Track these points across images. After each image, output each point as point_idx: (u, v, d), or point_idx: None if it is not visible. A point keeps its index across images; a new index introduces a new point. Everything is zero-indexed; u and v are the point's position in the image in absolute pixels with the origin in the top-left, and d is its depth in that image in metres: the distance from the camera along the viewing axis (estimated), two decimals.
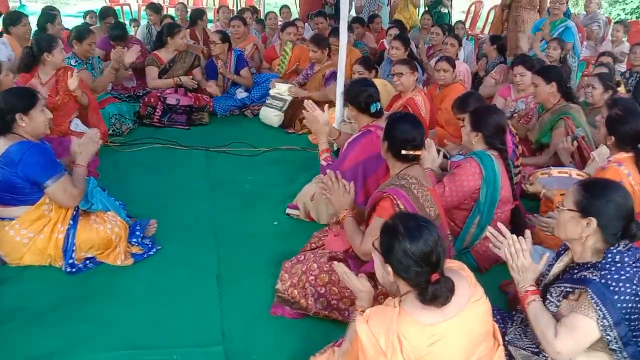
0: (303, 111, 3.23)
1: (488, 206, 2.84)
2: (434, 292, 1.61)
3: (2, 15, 5.10)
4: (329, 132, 3.28)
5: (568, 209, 1.89)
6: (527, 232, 2.08)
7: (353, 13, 9.55)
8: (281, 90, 5.32)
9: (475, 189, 2.83)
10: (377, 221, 2.36)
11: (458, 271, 1.78)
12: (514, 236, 2.05)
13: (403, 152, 2.42)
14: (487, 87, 5.48)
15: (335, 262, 2.04)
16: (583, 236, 1.88)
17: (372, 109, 3.02)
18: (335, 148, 3.85)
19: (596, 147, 3.65)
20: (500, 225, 2.07)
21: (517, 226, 3.11)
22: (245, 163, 4.44)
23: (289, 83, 5.46)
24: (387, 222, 1.76)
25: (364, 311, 1.79)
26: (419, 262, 1.64)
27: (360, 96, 3.06)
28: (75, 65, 4.38)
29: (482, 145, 2.92)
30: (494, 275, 2.96)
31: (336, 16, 8.00)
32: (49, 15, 5.25)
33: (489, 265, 3.01)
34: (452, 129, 4.49)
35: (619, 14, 14.06)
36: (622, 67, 6.27)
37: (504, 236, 2.05)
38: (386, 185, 2.45)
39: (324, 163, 3.07)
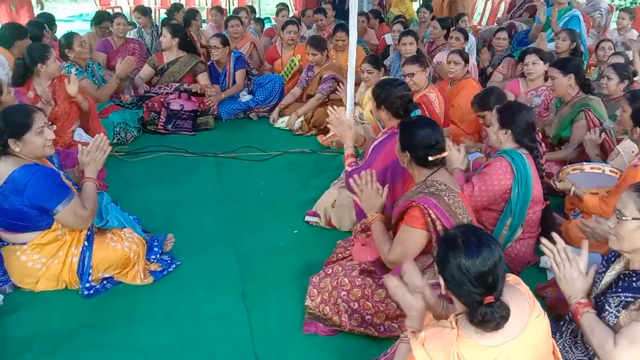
0: (329, 112, 3.10)
1: (520, 207, 2.74)
2: (484, 315, 1.49)
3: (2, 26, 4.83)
4: (356, 138, 3.15)
5: (633, 218, 1.77)
6: (557, 237, 1.97)
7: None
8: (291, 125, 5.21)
9: (506, 189, 2.73)
10: (406, 230, 2.27)
11: (515, 286, 1.68)
12: (561, 243, 1.95)
13: (430, 158, 2.30)
14: (495, 82, 5.37)
15: (387, 277, 1.91)
16: None
17: (413, 114, 2.90)
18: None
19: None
20: (554, 235, 1.97)
21: (547, 226, 3.03)
22: (256, 168, 4.32)
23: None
24: (447, 231, 1.67)
25: (414, 331, 1.69)
26: (473, 280, 1.53)
27: (398, 100, 2.92)
28: (76, 75, 4.23)
29: (512, 144, 2.82)
30: (526, 278, 2.84)
31: (337, 12, 7.89)
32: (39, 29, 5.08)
33: (521, 268, 2.93)
34: (466, 126, 4.40)
35: (621, 2, 14.00)
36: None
37: (554, 244, 1.95)
38: (414, 194, 2.33)
39: (348, 168, 2.96)
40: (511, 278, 1.73)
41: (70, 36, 4.61)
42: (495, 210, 2.82)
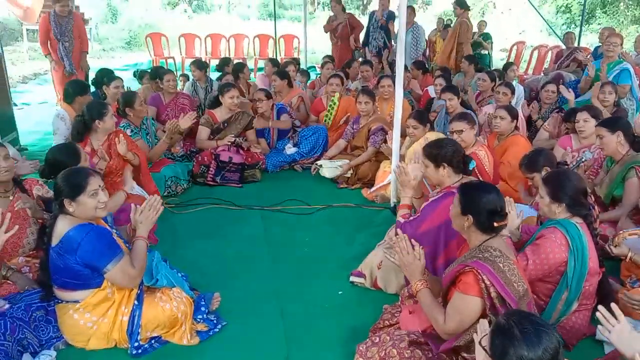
0: (388, 164, 3.15)
1: (576, 281, 2.62)
2: None
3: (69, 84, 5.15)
4: (416, 190, 3.15)
5: None
6: (616, 309, 1.89)
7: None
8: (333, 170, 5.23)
9: (561, 262, 2.63)
10: (460, 298, 2.20)
11: None
12: (621, 316, 1.87)
13: (495, 225, 2.26)
14: (540, 140, 5.27)
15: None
16: None
17: (471, 166, 2.91)
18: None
19: None
20: (614, 306, 1.88)
21: (603, 295, 2.91)
22: (300, 222, 4.35)
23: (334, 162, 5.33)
24: (499, 322, 1.61)
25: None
26: None
27: (456, 155, 2.95)
28: (131, 135, 4.43)
29: (566, 214, 2.74)
30: (581, 351, 2.74)
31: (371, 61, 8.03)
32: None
33: (576, 340, 2.79)
34: (515, 184, 4.31)
35: None
36: None
37: (616, 319, 1.87)
38: (467, 258, 2.29)
39: (401, 219, 2.94)
40: None
41: (132, 95, 4.84)
42: (549, 282, 2.72)
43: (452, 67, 8.34)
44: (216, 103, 5.43)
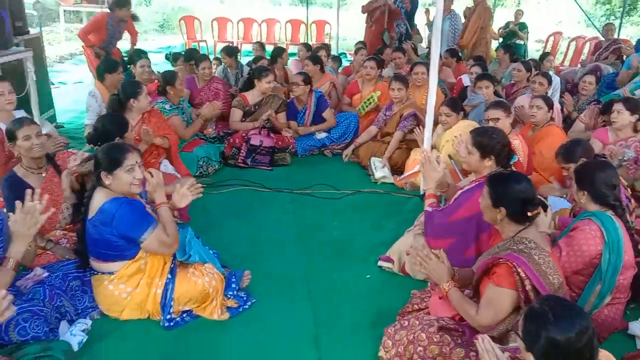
0: (421, 150, 3.12)
1: (610, 274, 2.58)
2: None
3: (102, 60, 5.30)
4: (440, 183, 3.13)
5: None
6: None
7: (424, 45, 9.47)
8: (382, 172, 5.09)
9: (596, 255, 2.59)
10: (494, 291, 2.18)
11: None
12: None
13: (529, 214, 2.24)
14: (576, 131, 5.16)
15: (480, 338, 1.86)
16: None
17: (512, 161, 2.89)
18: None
19: None
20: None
21: (637, 290, 2.86)
22: (329, 207, 4.37)
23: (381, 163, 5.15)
24: (533, 307, 1.60)
25: None
26: (569, 356, 1.47)
27: (504, 149, 2.92)
28: (169, 110, 4.52)
29: (593, 205, 2.69)
30: (613, 345, 2.69)
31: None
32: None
33: (608, 334, 2.75)
34: (549, 174, 4.24)
35: None
36: None
37: None
38: (501, 249, 2.27)
39: (429, 208, 2.93)
40: (602, 354, 1.65)
41: (173, 74, 4.98)
42: (582, 274, 2.68)
43: (469, 53, 8.25)
44: (249, 85, 5.46)
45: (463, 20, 8.91)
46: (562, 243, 2.64)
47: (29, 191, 2.30)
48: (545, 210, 2.86)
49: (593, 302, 2.64)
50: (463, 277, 2.50)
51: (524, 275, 2.11)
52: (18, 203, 2.30)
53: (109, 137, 3.32)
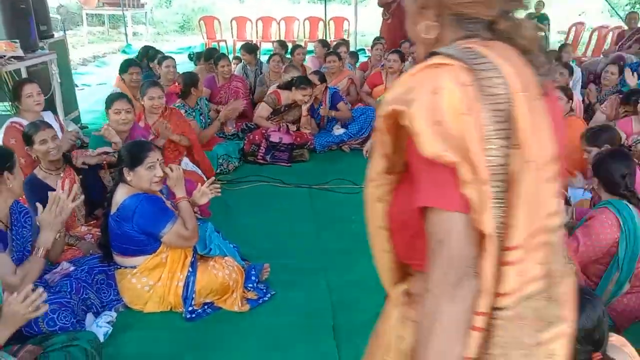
0: None
1: (628, 261, 2.57)
2: None
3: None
4: None
5: None
6: None
7: None
8: None
9: (613, 242, 2.58)
10: None
11: (620, 348, 1.61)
12: None
13: None
14: (596, 122, 5.08)
15: None
16: None
17: None
18: None
19: None
20: None
21: None
22: (347, 201, 4.39)
23: None
24: None
25: None
26: (580, 339, 1.48)
27: None
28: (185, 115, 4.62)
29: (606, 194, 2.69)
30: (633, 334, 2.68)
31: None
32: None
33: (628, 323, 2.73)
34: (569, 165, 4.21)
35: None
36: None
37: None
38: None
39: None
40: (615, 338, 1.65)
41: (196, 76, 5.11)
42: (601, 263, 2.67)
43: None
44: (287, 86, 5.48)
45: None
46: (579, 233, 2.63)
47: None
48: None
49: (611, 290, 2.63)
50: None
51: None
52: (39, 206, 2.41)
53: None
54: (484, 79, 0.89)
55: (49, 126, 3.26)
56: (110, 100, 3.75)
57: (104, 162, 3.44)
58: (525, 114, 0.88)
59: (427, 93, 0.89)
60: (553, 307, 0.98)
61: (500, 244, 0.91)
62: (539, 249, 0.96)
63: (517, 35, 0.99)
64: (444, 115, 0.87)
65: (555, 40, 12.13)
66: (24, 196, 2.83)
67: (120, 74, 5.37)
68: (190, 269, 2.85)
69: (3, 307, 1.99)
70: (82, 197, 2.85)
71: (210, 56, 6.35)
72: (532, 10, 10.14)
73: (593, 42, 10.78)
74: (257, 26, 12.27)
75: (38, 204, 2.44)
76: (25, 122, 3.68)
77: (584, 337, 1.48)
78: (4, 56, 4.32)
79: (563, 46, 7.33)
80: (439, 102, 0.88)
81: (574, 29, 11.36)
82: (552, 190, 0.97)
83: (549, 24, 9.93)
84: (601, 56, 8.49)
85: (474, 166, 0.86)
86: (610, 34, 10.15)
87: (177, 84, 5.06)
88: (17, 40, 4.51)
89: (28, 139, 3.15)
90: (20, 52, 4.48)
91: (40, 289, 2.02)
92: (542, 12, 10.00)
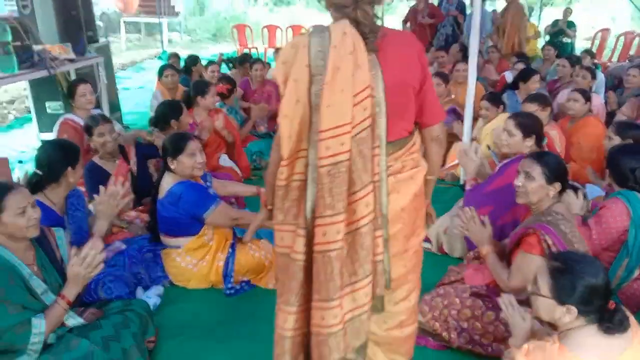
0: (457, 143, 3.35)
1: (637, 248, 2.74)
2: (620, 319, 1.69)
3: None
4: (480, 173, 3.33)
5: None
6: None
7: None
8: None
9: (623, 230, 2.75)
10: (523, 257, 2.39)
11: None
12: None
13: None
14: None
15: (503, 296, 2.11)
16: None
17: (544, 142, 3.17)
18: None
19: None
20: None
21: None
22: None
23: None
24: (555, 265, 1.81)
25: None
26: (601, 294, 1.72)
27: (542, 128, 3.22)
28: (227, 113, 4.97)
29: (617, 186, 2.87)
30: None
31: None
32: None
33: (637, 308, 2.88)
34: (587, 165, 4.35)
35: None
36: None
37: None
38: (531, 222, 2.48)
39: (469, 186, 3.16)
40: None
41: (233, 79, 5.56)
42: (612, 250, 2.85)
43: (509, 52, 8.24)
44: None
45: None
46: (591, 222, 2.81)
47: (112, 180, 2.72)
48: (576, 193, 3.06)
49: (621, 275, 2.80)
50: (499, 246, 2.72)
51: (551, 242, 2.31)
52: (102, 188, 2.71)
53: (166, 119, 3.93)
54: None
55: (108, 120, 3.60)
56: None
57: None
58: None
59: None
60: None
61: None
62: None
63: (359, 17, 1.58)
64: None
65: (581, 47, 12.14)
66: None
67: (159, 78, 5.71)
68: (230, 250, 3.13)
69: (68, 269, 2.26)
70: (132, 195, 3.17)
71: (244, 60, 6.67)
72: (559, 17, 10.23)
73: (619, 47, 10.78)
74: (287, 34, 12.63)
75: (102, 187, 2.74)
76: (77, 119, 4.05)
77: (603, 292, 1.72)
78: (58, 58, 4.68)
79: (585, 51, 7.43)
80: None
81: (599, 35, 11.37)
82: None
83: (575, 31, 9.99)
84: (627, 61, 8.55)
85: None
86: (637, 39, 10.16)
87: (221, 85, 5.38)
88: (69, 44, 4.89)
89: (88, 130, 3.49)
90: (72, 55, 4.85)
91: (100, 246, 2.26)
92: (570, 19, 10.07)
